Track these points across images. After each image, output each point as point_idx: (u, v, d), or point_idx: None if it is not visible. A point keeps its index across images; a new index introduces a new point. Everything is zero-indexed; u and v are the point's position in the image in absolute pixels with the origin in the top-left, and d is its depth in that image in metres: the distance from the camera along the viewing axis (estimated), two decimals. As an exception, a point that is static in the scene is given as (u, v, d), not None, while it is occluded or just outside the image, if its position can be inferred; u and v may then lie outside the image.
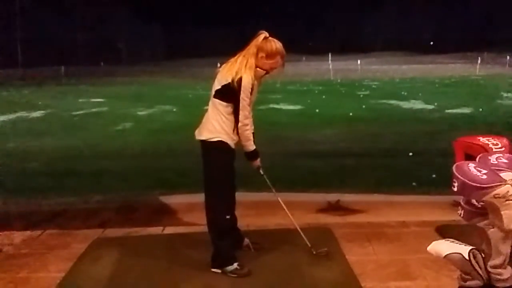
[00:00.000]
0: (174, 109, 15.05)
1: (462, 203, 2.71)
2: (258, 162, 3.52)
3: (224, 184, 3.38)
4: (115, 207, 5.28)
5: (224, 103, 3.27)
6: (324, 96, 18.26)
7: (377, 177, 6.38)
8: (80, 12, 40.42)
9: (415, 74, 28.49)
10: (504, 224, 2.46)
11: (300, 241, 3.64)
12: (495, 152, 2.78)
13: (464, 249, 2.63)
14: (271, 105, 14.90)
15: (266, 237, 3.92)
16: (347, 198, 5.20)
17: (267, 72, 3.35)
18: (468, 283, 2.68)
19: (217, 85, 3.30)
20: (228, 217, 3.43)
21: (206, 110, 3.42)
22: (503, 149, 2.87)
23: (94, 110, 15.45)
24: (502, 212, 2.43)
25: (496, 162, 2.61)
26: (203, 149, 3.38)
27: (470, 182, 2.39)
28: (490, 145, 2.89)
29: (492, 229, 2.55)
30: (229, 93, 3.22)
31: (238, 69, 3.21)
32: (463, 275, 2.70)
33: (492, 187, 2.37)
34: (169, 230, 4.35)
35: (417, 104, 15.32)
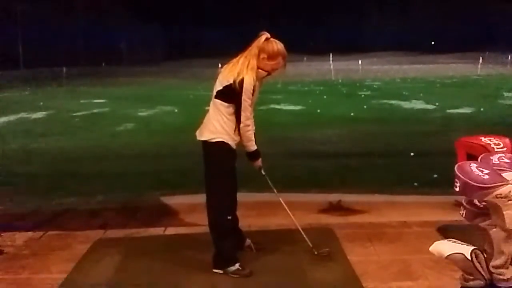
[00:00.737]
0: (175, 110, 15.05)
1: (464, 203, 2.70)
2: (259, 162, 3.52)
3: (225, 185, 3.38)
4: (116, 208, 5.28)
5: (226, 104, 3.28)
6: (325, 96, 18.26)
7: (378, 177, 6.38)
8: (81, 12, 40.46)
9: (416, 74, 28.47)
10: (506, 224, 2.46)
11: (301, 242, 3.64)
12: (497, 152, 2.78)
13: (466, 249, 2.62)
14: (272, 106, 14.90)
15: (268, 237, 3.92)
16: (349, 198, 5.20)
17: (269, 73, 3.35)
18: (470, 283, 2.67)
19: (218, 86, 3.30)
20: (229, 217, 3.43)
21: (207, 110, 3.42)
22: (505, 149, 2.87)
23: (95, 111, 15.46)
24: (504, 212, 2.43)
25: (498, 162, 2.60)
26: (204, 150, 3.38)
27: (472, 182, 2.38)
28: (492, 145, 2.89)
29: (494, 229, 2.54)
30: (231, 94, 3.23)
31: (240, 70, 3.22)
32: (465, 275, 2.70)
33: (494, 187, 2.37)
34: (171, 231, 4.35)
35: (418, 104, 15.31)
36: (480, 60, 30.08)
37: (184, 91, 20.90)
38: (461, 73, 28.61)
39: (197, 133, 3.42)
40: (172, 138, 10.02)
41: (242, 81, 3.19)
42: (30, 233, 4.33)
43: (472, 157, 2.82)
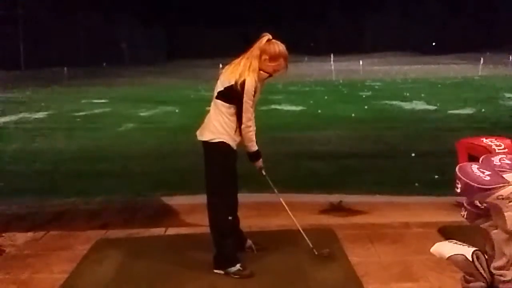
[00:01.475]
0: (176, 110, 15.05)
1: (465, 204, 2.70)
2: (260, 162, 3.53)
3: (226, 185, 3.38)
4: (117, 208, 5.29)
5: (227, 105, 3.28)
6: (326, 97, 18.24)
7: (379, 178, 6.37)
8: (82, 13, 40.48)
9: (417, 75, 28.45)
10: (507, 226, 2.45)
11: (302, 242, 3.64)
12: (498, 153, 2.78)
13: (467, 251, 2.62)
14: (273, 106, 14.89)
15: (269, 238, 3.92)
16: (350, 199, 5.19)
17: (270, 75, 3.36)
18: (471, 284, 2.67)
19: (219, 87, 3.31)
20: (230, 218, 3.44)
21: (208, 111, 3.43)
22: (506, 150, 2.86)
23: (96, 111, 15.47)
24: (505, 214, 2.43)
25: (499, 163, 2.60)
26: (204, 150, 3.39)
27: (473, 184, 2.38)
28: (493, 146, 2.89)
29: (495, 231, 2.54)
30: (232, 95, 3.23)
31: (242, 71, 3.22)
32: (466, 276, 2.70)
33: (495, 188, 2.37)
34: (172, 231, 4.35)
35: (420, 105, 15.29)
36: (481, 61, 30.04)
37: (185, 91, 20.90)
38: (462, 73, 28.58)
39: (198, 133, 3.42)
40: (173, 138, 10.02)
41: (243, 82, 3.19)
42: (31, 233, 4.34)
43: (473, 158, 2.82)
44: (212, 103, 3.38)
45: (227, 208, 3.42)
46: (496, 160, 2.65)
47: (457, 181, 2.44)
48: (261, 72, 3.29)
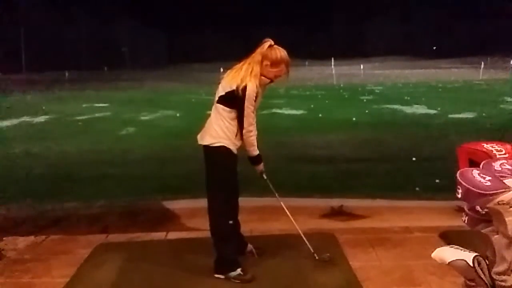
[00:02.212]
0: (178, 114, 15.08)
1: (466, 210, 2.70)
2: (261, 166, 3.53)
3: (226, 189, 3.38)
4: (118, 212, 5.28)
5: (228, 109, 3.29)
6: (327, 101, 18.28)
7: (380, 182, 6.37)
8: (84, 17, 40.57)
9: (418, 79, 28.50)
10: (508, 231, 2.45)
11: (303, 247, 3.63)
12: (499, 159, 2.77)
13: (468, 256, 2.62)
14: (274, 110, 14.92)
15: (269, 242, 3.92)
16: (351, 203, 5.19)
17: (272, 81, 3.37)
18: (472, 289, 2.66)
19: (221, 91, 3.32)
20: (231, 222, 3.44)
21: (209, 115, 3.43)
22: (507, 155, 2.85)
23: (97, 115, 15.51)
24: (506, 219, 2.42)
25: (500, 169, 2.59)
26: (205, 154, 3.39)
27: (474, 189, 2.38)
28: (494, 152, 2.88)
29: (496, 236, 2.54)
30: (233, 100, 3.24)
31: (243, 76, 3.23)
32: (468, 281, 2.69)
33: (496, 193, 2.37)
34: (172, 235, 4.35)
35: (420, 109, 15.31)
36: (482, 65, 30.09)
37: (186, 95, 20.95)
38: (463, 78, 28.62)
39: (199, 137, 3.43)
40: (174, 142, 10.03)
41: (245, 87, 3.20)
42: (32, 237, 4.34)
43: (474, 164, 2.81)
44: (213, 108, 3.39)
45: (228, 212, 3.42)
46: (496, 165, 2.64)
47: (458, 186, 2.44)
48: (263, 77, 3.30)
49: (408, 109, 15.42)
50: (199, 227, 4.33)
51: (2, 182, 6.90)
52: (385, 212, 5.01)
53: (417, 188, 5.91)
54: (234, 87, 3.22)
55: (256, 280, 3.36)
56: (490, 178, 2.44)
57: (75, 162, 8.35)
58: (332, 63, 34.04)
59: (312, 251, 3.61)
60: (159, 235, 4.35)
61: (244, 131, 3.29)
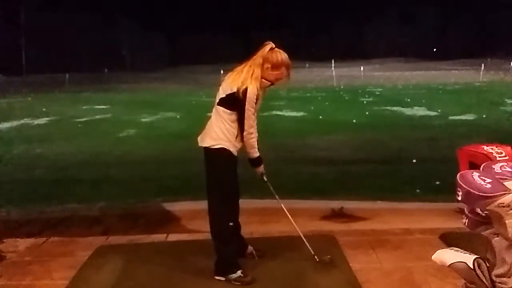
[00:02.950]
0: (178, 116, 15.09)
1: (466, 212, 2.70)
2: (261, 168, 3.53)
3: (227, 191, 3.39)
4: (118, 214, 5.28)
5: (228, 111, 3.29)
6: (327, 103, 18.28)
7: (380, 184, 6.37)
8: (84, 19, 40.62)
9: (419, 81, 28.52)
10: (508, 233, 2.45)
11: (303, 249, 3.63)
12: (499, 161, 2.77)
13: (468, 258, 2.62)
14: (275, 112, 14.92)
15: (270, 244, 3.92)
16: (351, 205, 5.19)
17: (272, 83, 3.37)
18: (472, 292, 2.66)
19: (221, 93, 3.32)
20: (231, 224, 3.43)
21: (209, 116, 3.44)
22: (507, 157, 2.86)
23: (98, 117, 15.51)
24: (506, 221, 2.42)
25: (500, 171, 2.60)
26: (206, 156, 3.39)
27: (474, 191, 2.38)
28: (494, 154, 2.88)
29: (497, 238, 2.54)
30: (234, 102, 3.24)
31: (244, 79, 3.24)
32: (468, 284, 2.69)
33: (496, 196, 2.37)
34: (173, 237, 4.35)
35: (421, 111, 15.31)
36: (482, 67, 30.10)
37: (186, 97, 20.96)
38: (464, 79, 28.64)
39: (199, 139, 3.43)
40: (174, 144, 10.04)
41: (246, 90, 3.20)
42: (32, 239, 4.34)
43: (474, 166, 2.82)
44: (214, 110, 3.39)
45: (228, 214, 3.42)
46: (497, 167, 2.64)
47: (458, 189, 2.44)
48: (263, 80, 3.31)
49: (408, 111, 15.42)
50: (200, 229, 4.34)
51: (3, 183, 6.91)
52: (386, 214, 5.00)
53: (417, 190, 5.91)
54: (235, 90, 3.23)
55: (257, 282, 3.36)
56: (490, 180, 2.44)
57: (76, 164, 8.36)
58: (332, 65, 34.06)
59: (313, 253, 3.61)
60: (159, 237, 4.35)
61: (244, 133, 3.29)
